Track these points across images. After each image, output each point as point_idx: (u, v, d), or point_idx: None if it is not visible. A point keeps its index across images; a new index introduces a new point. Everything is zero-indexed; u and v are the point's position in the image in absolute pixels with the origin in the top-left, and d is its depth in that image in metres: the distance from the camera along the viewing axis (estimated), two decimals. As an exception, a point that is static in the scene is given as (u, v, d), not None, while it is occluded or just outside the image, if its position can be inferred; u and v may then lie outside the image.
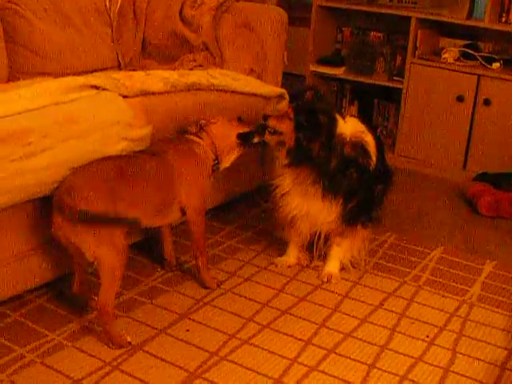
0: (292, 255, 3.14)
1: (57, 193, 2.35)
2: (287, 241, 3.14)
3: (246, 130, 2.90)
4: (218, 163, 2.85)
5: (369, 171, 2.85)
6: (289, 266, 3.11)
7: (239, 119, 2.94)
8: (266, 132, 2.87)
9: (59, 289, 2.76)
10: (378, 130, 4.59)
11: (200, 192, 2.74)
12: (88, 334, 2.50)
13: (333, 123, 2.78)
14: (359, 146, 2.83)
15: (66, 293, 2.71)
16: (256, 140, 2.90)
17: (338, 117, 2.82)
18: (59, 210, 2.30)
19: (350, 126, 2.84)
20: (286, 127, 2.80)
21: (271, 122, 2.85)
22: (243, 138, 2.90)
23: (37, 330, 2.51)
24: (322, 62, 5.04)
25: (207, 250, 3.07)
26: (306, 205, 2.87)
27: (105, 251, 2.32)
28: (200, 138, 2.81)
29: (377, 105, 5.03)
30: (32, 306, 2.67)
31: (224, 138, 2.85)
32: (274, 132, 2.85)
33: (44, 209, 2.45)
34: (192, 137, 2.81)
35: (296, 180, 2.85)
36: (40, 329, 2.52)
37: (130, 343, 2.44)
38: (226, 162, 2.91)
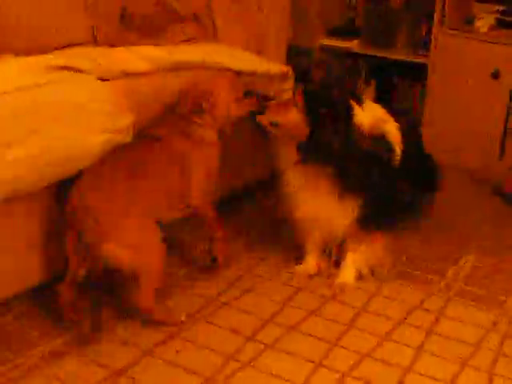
0: (311, 263, 3.18)
1: (69, 211, 2.54)
2: (302, 246, 3.19)
3: (252, 103, 2.99)
4: (222, 134, 2.98)
5: (390, 166, 2.88)
6: (309, 276, 3.15)
7: (245, 93, 3.01)
8: (267, 124, 2.91)
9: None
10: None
11: (201, 175, 2.89)
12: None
13: (350, 113, 2.80)
14: (380, 138, 2.86)
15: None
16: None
17: (354, 104, 2.85)
18: (77, 233, 2.54)
19: (368, 115, 2.86)
20: (292, 118, 2.82)
21: (271, 114, 2.88)
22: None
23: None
24: (333, 33, 5.07)
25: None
26: (318, 206, 2.91)
27: (145, 258, 2.61)
28: (199, 118, 2.90)
29: (398, 84, 5.05)
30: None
31: (228, 114, 2.95)
32: (276, 124, 2.88)
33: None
34: (190, 117, 2.89)
35: (308, 178, 2.89)
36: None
37: (182, 321, 2.75)
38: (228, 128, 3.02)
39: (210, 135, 2.92)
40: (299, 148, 2.82)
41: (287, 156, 2.91)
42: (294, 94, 2.89)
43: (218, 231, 3.02)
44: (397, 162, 2.90)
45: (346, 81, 5.04)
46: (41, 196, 2.63)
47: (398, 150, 2.90)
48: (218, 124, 2.94)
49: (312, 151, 2.79)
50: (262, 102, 2.96)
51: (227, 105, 2.93)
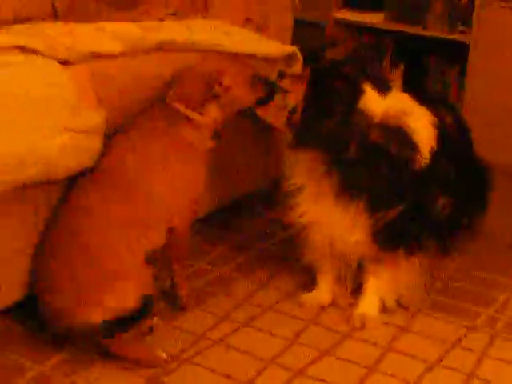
0: (325, 290, 3.19)
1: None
2: (312, 269, 3.20)
3: (262, 88, 3.01)
4: (216, 135, 2.96)
5: (414, 171, 2.88)
6: (322, 307, 3.15)
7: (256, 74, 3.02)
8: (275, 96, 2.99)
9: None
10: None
11: (187, 192, 2.88)
12: None
13: (354, 93, 2.82)
14: (396, 132, 2.86)
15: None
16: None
17: (367, 87, 2.87)
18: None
19: (387, 103, 2.88)
20: (296, 93, 2.89)
21: (285, 83, 2.98)
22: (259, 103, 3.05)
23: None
24: (351, 4, 5.09)
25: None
26: (318, 205, 2.94)
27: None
28: (199, 111, 2.86)
29: (432, 67, 5.07)
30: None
31: (237, 102, 2.96)
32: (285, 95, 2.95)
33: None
34: (185, 110, 2.85)
35: (309, 169, 2.92)
36: None
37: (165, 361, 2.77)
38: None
39: (205, 140, 2.90)
40: (293, 129, 2.89)
41: (297, 161, 2.95)
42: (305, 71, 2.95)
43: (183, 267, 3.03)
44: (424, 165, 2.89)
45: (366, 61, 5.04)
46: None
47: (425, 150, 2.89)
48: (219, 121, 2.92)
49: (303, 133, 2.85)
50: (281, 72, 3.04)
51: (243, 90, 2.94)
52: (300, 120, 2.86)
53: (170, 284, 3.05)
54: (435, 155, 2.91)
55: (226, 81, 2.86)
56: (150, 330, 2.87)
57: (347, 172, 2.84)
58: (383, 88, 2.91)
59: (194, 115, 2.84)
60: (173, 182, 2.81)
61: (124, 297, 2.63)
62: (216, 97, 2.85)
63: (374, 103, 2.85)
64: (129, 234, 2.71)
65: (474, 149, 3.37)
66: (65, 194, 2.77)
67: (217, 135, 2.93)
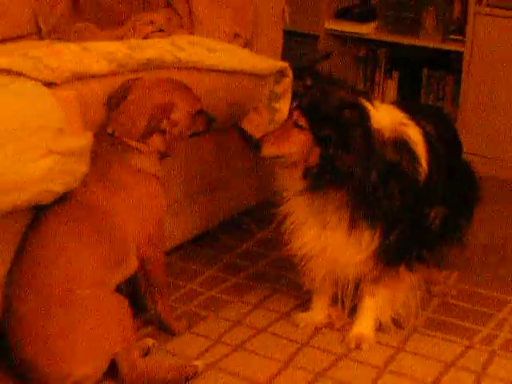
0: (319, 311, 3.21)
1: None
2: (307, 289, 3.22)
3: (202, 121, 3.02)
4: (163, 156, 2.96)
5: (416, 183, 2.91)
6: (317, 328, 3.17)
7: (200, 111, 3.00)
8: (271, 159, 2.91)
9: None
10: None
11: (148, 216, 2.88)
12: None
13: (366, 117, 2.80)
14: (402, 145, 2.88)
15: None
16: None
17: (368, 104, 2.87)
18: None
19: (385, 116, 2.88)
20: (298, 142, 2.82)
21: (266, 151, 2.86)
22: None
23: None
24: (343, 15, 5.12)
25: (177, 307, 3.21)
26: (323, 238, 2.94)
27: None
28: (145, 142, 2.85)
29: (426, 77, 5.11)
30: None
31: (181, 133, 2.95)
32: (282, 156, 2.87)
33: None
34: (130, 142, 2.83)
35: (314, 206, 2.91)
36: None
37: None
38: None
39: (154, 164, 2.90)
40: (307, 173, 2.83)
41: (289, 183, 2.94)
42: (294, 114, 2.85)
43: (163, 295, 3.02)
44: (422, 177, 2.91)
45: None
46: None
47: (423, 161, 2.92)
48: (166, 148, 2.93)
49: (325, 175, 2.80)
50: (254, 140, 2.97)
51: (187, 123, 2.95)
52: (318, 164, 2.80)
53: (154, 313, 3.05)
54: (430, 166, 2.94)
55: (175, 116, 2.86)
56: (146, 352, 2.90)
57: (365, 200, 2.83)
58: (370, 100, 2.93)
59: (139, 146, 2.83)
60: (131, 210, 2.81)
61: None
62: (162, 131, 2.84)
63: (377, 118, 2.84)
64: (97, 270, 2.73)
65: (464, 159, 3.42)
66: (32, 223, 2.78)
67: (163, 156, 2.95)
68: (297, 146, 2.81)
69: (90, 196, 2.76)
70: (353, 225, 2.88)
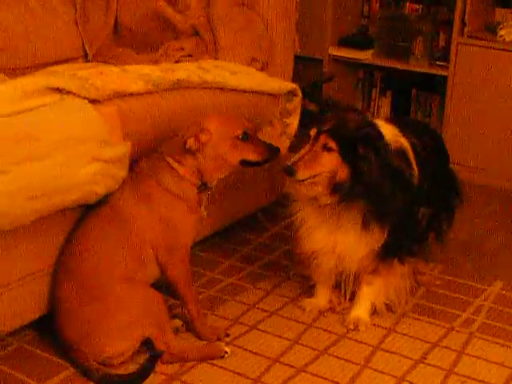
0: (323, 297, 3.21)
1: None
2: (311, 279, 3.22)
3: (250, 149, 2.81)
4: (204, 186, 2.84)
5: (412, 187, 2.91)
6: (320, 311, 3.18)
7: (244, 135, 2.80)
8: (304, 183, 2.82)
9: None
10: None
11: (166, 229, 2.79)
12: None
13: (379, 133, 2.80)
14: (402, 154, 2.89)
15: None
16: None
17: (375, 121, 2.89)
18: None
19: (385, 130, 2.87)
20: (328, 164, 2.76)
21: (301, 174, 2.76)
22: (250, 165, 2.86)
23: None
24: (345, 43, 5.13)
25: (201, 292, 3.20)
26: (333, 238, 2.93)
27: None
28: (180, 162, 2.77)
29: (415, 97, 5.11)
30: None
31: (218, 159, 2.79)
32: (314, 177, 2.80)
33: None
34: (168, 159, 2.77)
35: (327, 213, 2.89)
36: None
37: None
38: (215, 181, 2.88)
39: (182, 187, 2.79)
40: (337, 189, 2.78)
41: (303, 193, 2.90)
42: (321, 139, 2.78)
43: (192, 303, 2.89)
44: (416, 181, 2.92)
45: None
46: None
47: (415, 167, 2.92)
48: (203, 174, 2.80)
49: (356, 188, 2.77)
50: (288, 168, 2.76)
51: (221, 147, 2.78)
52: (347, 180, 2.75)
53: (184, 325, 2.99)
54: (420, 171, 2.94)
55: (204, 137, 2.72)
56: (177, 330, 2.91)
57: (379, 204, 2.82)
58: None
59: (175, 165, 2.76)
60: (149, 221, 2.75)
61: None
62: (190, 151, 2.74)
63: (384, 133, 2.83)
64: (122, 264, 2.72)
65: (449, 165, 3.41)
66: (78, 221, 2.80)
67: (204, 187, 2.82)
68: (327, 166, 2.76)
69: (121, 202, 2.75)
70: (365, 227, 2.87)
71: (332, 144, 2.75)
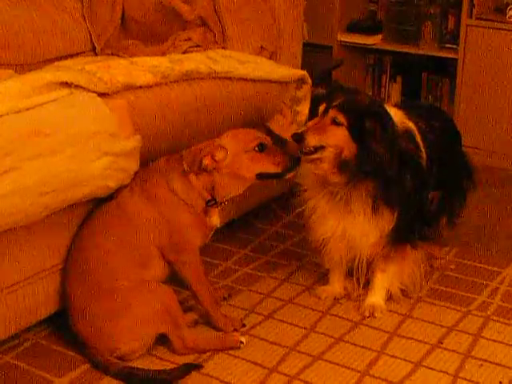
0: (337, 284, 3.21)
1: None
2: (324, 267, 3.22)
3: (268, 161, 2.77)
4: (213, 202, 2.81)
5: (422, 168, 2.90)
6: (335, 299, 3.18)
7: (260, 146, 2.77)
8: (303, 157, 2.79)
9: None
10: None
11: (176, 232, 2.78)
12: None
13: (387, 111, 2.80)
14: (410, 136, 2.88)
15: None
16: (289, 176, 2.83)
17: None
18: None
19: (392, 112, 2.86)
20: (336, 137, 2.75)
21: (311, 140, 2.74)
22: (270, 177, 2.82)
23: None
24: (353, 28, 5.12)
25: (216, 282, 3.21)
26: (343, 224, 2.92)
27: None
28: (196, 173, 2.75)
29: (425, 80, 5.09)
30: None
31: (234, 175, 2.78)
32: (316, 150, 2.77)
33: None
34: (185, 166, 2.75)
35: (337, 198, 2.88)
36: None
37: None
38: (226, 198, 2.87)
39: (196, 199, 2.78)
40: (344, 167, 2.77)
41: (318, 178, 2.89)
42: (331, 113, 2.77)
43: (206, 297, 2.86)
44: (424, 163, 2.91)
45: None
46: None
47: (423, 150, 2.91)
48: (216, 191, 2.78)
49: (364, 167, 2.76)
50: (296, 134, 2.74)
51: (237, 162, 2.75)
52: (355, 158, 2.73)
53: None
54: (429, 154, 2.94)
55: (219, 155, 2.71)
56: (194, 324, 2.92)
57: (388, 187, 2.81)
58: None
59: (189, 174, 2.74)
60: (153, 221, 2.74)
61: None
62: (204, 169, 2.72)
63: (392, 115, 2.83)
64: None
65: (461, 148, 3.40)
66: (86, 217, 2.80)
67: (214, 202, 2.80)
68: (334, 139, 2.74)
69: (127, 199, 2.75)
70: (375, 211, 2.86)
71: (341, 118, 2.74)
